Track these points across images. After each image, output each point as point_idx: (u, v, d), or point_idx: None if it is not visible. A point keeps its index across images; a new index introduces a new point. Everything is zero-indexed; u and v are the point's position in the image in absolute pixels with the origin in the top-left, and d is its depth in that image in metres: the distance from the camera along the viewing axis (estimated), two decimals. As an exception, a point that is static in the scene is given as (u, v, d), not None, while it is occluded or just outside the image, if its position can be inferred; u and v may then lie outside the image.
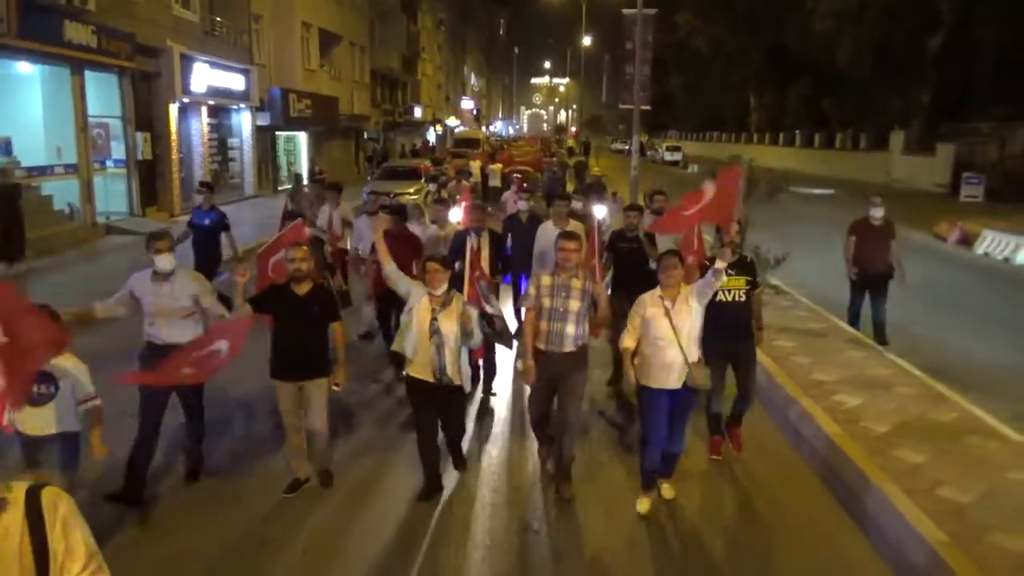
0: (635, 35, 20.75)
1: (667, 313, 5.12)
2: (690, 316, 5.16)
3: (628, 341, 5.33)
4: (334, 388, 5.55)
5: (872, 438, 6.18)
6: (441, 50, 62.22)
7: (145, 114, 18.72)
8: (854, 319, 9.46)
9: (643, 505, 5.46)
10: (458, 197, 11.90)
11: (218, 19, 22.40)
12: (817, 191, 31.08)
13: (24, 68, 15.04)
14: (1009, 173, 29.31)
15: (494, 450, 6.59)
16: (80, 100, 15.72)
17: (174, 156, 19.81)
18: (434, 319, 5.15)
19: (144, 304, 5.39)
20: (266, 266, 6.40)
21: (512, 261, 8.11)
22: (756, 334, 6.22)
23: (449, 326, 5.16)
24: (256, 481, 5.82)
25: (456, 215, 9.82)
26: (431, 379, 5.22)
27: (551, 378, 5.52)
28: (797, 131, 48.96)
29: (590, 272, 5.86)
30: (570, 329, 5.38)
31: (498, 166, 26.86)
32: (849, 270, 9.19)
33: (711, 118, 64.60)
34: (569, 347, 5.41)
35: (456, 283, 5.92)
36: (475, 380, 7.84)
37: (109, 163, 17.65)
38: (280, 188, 27.38)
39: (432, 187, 12.17)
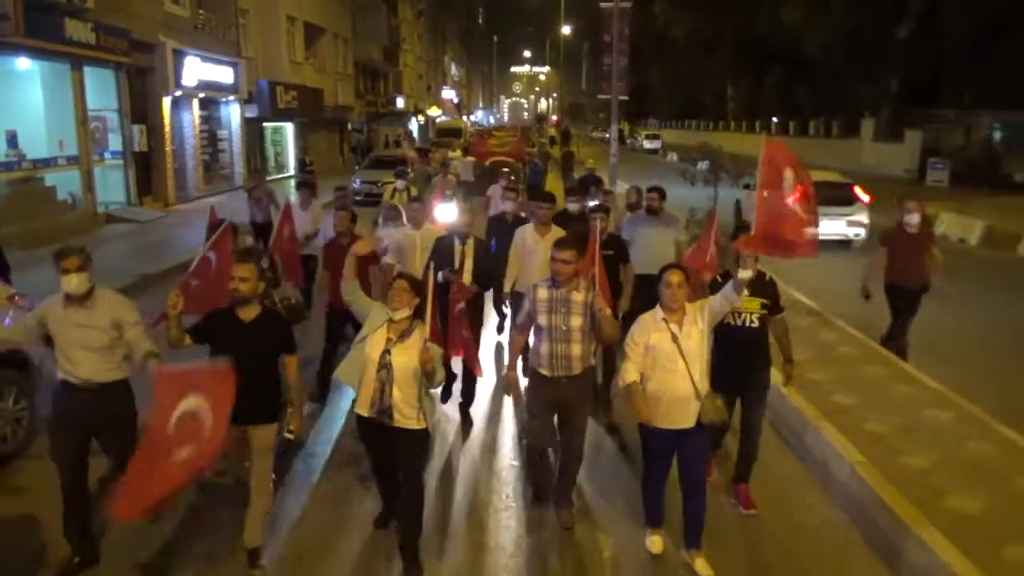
0: (612, 28, 21.58)
1: (674, 339, 4.43)
2: (701, 340, 4.49)
3: (631, 374, 4.56)
4: (287, 436, 4.72)
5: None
6: (422, 40, 62.69)
7: (140, 107, 19.33)
8: (894, 340, 8.26)
9: (655, 545, 4.83)
10: (447, 192, 11.26)
11: (205, 13, 22.95)
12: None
13: (25, 64, 15.61)
14: (973, 159, 30.48)
15: (469, 485, 5.81)
16: (80, 94, 16.34)
17: (168, 148, 20.43)
18: (386, 351, 4.39)
19: (54, 334, 4.46)
20: (200, 287, 5.26)
21: (497, 272, 7.06)
22: (785, 368, 5.41)
23: (403, 361, 4.36)
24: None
25: (446, 213, 9.10)
26: (367, 413, 4.49)
27: (555, 405, 4.93)
28: (772, 119, 50.02)
29: (591, 283, 5.04)
30: (575, 349, 4.79)
31: (470, 159, 25.34)
32: (863, 288, 8.10)
33: (689, 106, 65.46)
34: (577, 370, 4.83)
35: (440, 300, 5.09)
36: (446, 395, 7.10)
37: (107, 155, 18.28)
38: (268, 178, 27.96)
39: (399, 184, 10.96)
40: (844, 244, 15.19)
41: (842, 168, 34.85)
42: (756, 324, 5.12)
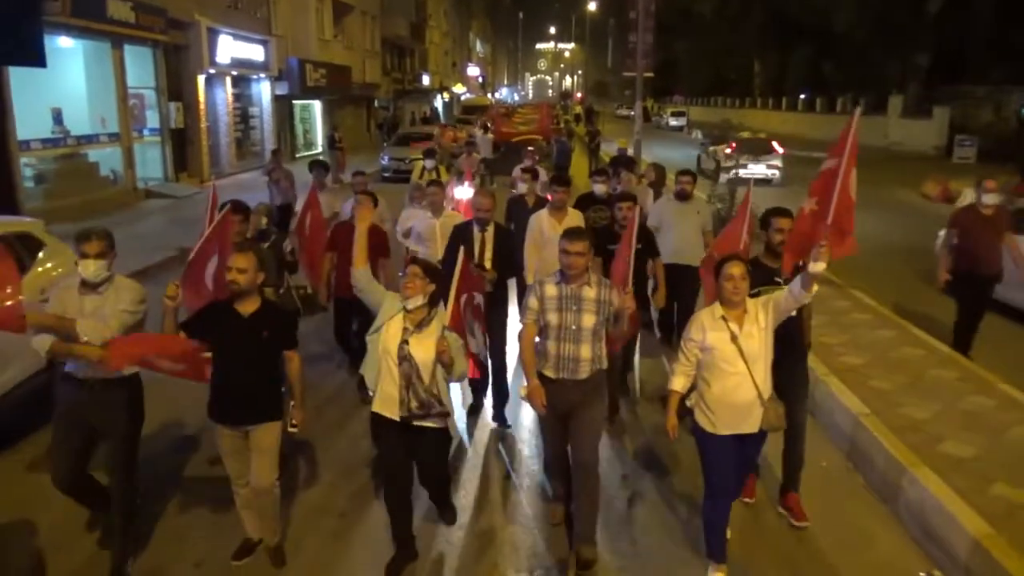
0: (638, 4, 21.73)
1: (734, 339, 4.05)
2: (764, 341, 4.11)
3: (680, 381, 4.28)
4: (290, 430, 4.57)
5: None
6: (447, 16, 62.74)
7: (176, 85, 19.88)
8: (964, 338, 7.44)
9: None
10: (463, 171, 11.04)
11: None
12: (815, 154, 32.12)
13: (68, 43, 16.15)
14: (1001, 134, 30.30)
15: (494, 504, 5.23)
16: (120, 73, 16.91)
17: (203, 125, 20.98)
18: (404, 342, 4.09)
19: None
20: (201, 277, 4.81)
21: (520, 261, 6.50)
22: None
23: (423, 353, 4.09)
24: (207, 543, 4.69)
25: (464, 192, 8.87)
26: (396, 416, 4.16)
27: (563, 412, 4.48)
28: (800, 96, 49.70)
29: (610, 279, 4.68)
30: (584, 351, 4.36)
31: (489, 136, 24.52)
32: (940, 276, 7.38)
33: (716, 83, 65.13)
34: (584, 373, 4.39)
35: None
36: (474, 410, 6.55)
37: (145, 132, 18.87)
38: (297, 155, 28.58)
39: (428, 164, 10.63)
40: (766, 182, 21.48)
41: (869, 145, 34.89)
42: (793, 313, 4.44)
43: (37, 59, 12.80)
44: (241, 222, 5.55)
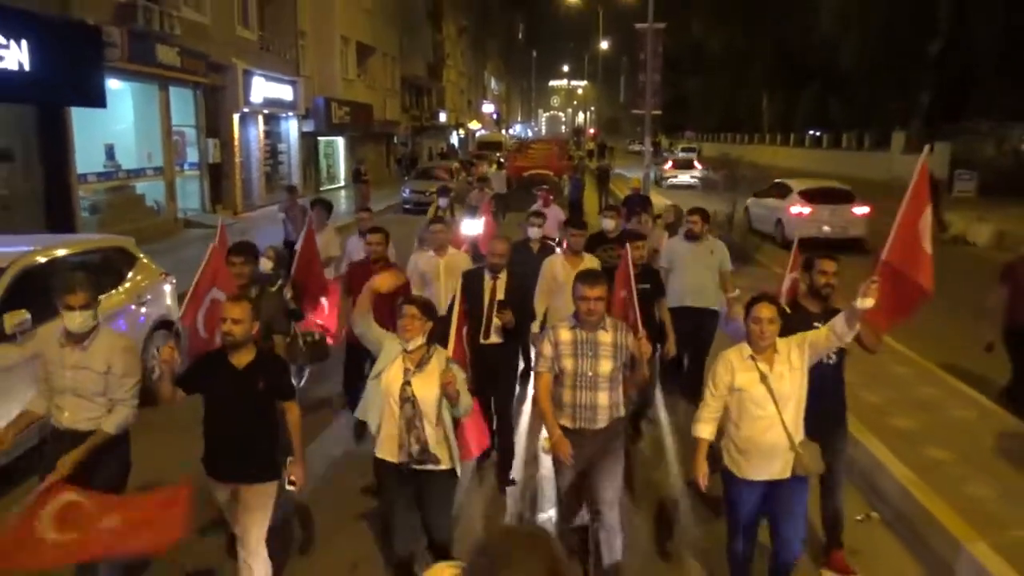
0: (646, 46, 23.06)
1: (764, 379, 3.90)
2: (796, 382, 3.94)
3: (707, 428, 4.12)
4: (289, 488, 4.28)
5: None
6: (464, 56, 64.71)
7: (213, 123, 21.25)
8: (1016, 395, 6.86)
9: None
10: (476, 206, 11.04)
11: (269, 36, 24.92)
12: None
13: (117, 84, 17.53)
14: (1002, 169, 31.28)
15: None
16: (166, 112, 18.27)
17: (237, 160, 22.34)
18: (406, 383, 4.01)
19: (47, 375, 4.11)
20: (194, 323, 4.70)
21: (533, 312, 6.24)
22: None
23: (426, 392, 4.02)
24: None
25: (474, 227, 8.77)
26: (395, 459, 4.08)
27: (581, 464, 4.33)
28: (807, 132, 50.99)
29: (624, 322, 4.50)
30: (602, 398, 4.23)
31: (503, 172, 24.97)
32: (987, 336, 6.71)
33: (725, 119, 66.52)
34: (602, 422, 4.26)
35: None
36: (484, 457, 5.94)
37: (186, 166, 20.21)
38: (321, 188, 29.97)
39: (443, 202, 10.64)
40: (691, 187, 30.37)
41: (873, 179, 36.01)
42: (834, 360, 4.39)
43: (98, 101, 14.13)
44: (243, 264, 5.34)
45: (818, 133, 49.30)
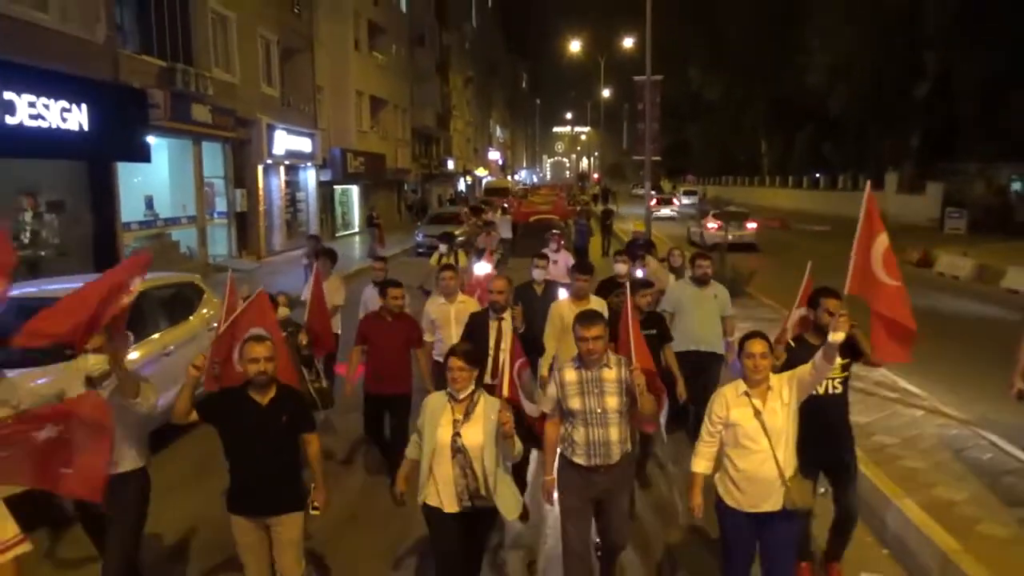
0: (645, 97, 24.49)
1: (757, 415, 4.03)
2: (788, 417, 4.07)
3: (702, 463, 4.26)
4: (312, 512, 4.44)
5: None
6: (470, 106, 66.76)
7: (240, 174, 22.67)
8: None
9: None
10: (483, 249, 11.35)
11: (289, 92, 26.50)
12: (816, 228, 34.45)
13: (155, 140, 18.92)
14: (990, 207, 32.54)
15: None
16: (198, 165, 19.69)
17: (261, 208, 23.71)
18: (457, 434, 4.09)
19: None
20: (230, 354, 4.83)
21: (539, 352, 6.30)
22: (869, 356, 4.80)
23: (475, 438, 4.09)
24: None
25: (481, 268, 8.87)
26: (455, 508, 4.15)
27: (594, 498, 4.43)
28: (804, 174, 52.56)
29: (623, 357, 4.56)
30: (614, 434, 4.33)
31: (508, 217, 25.58)
32: (1016, 383, 6.07)
33: (725, 162, 68.27)
34: (616, 457, 4.36)
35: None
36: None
37: (215, 215, 21.56)
38: (337, 234, 31.35)
39: (443, 248, 10.84)
40: (670, 219, 39.05)
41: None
42: (840, 390, 4.61)
43: (143, 156, 15.50)
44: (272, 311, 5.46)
45: (816, 175, 50.82)
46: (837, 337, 3.88)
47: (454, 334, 6.24)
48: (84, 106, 13.30)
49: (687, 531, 5.84)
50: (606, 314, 5.32)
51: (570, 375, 4.37)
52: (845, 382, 4.67)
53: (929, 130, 38.21)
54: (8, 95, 11.64)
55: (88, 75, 13.87)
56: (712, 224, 25.68)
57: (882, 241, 4.75)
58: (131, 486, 4.30)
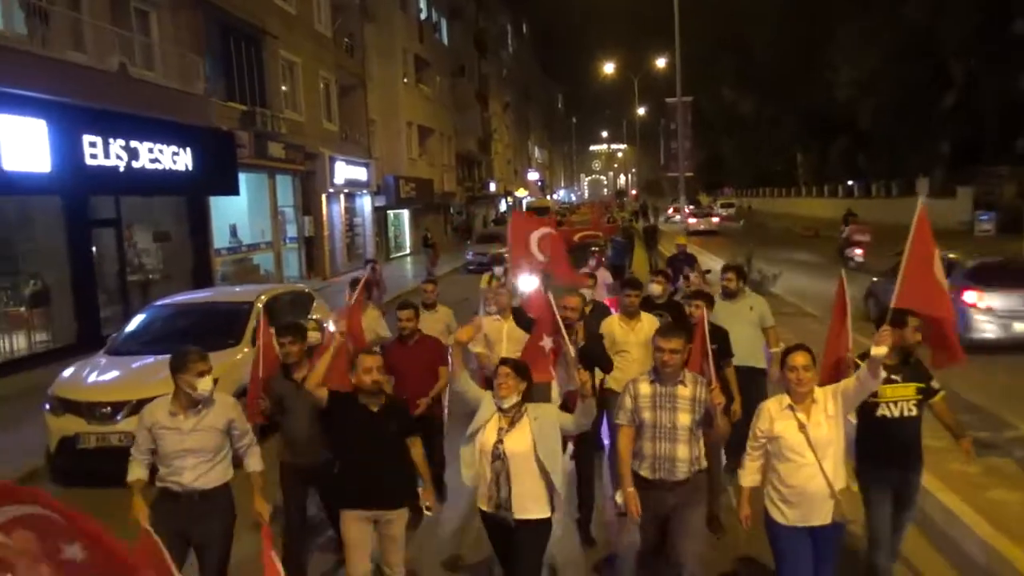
0: (677, 117, 26.26)
1: (802, 428, 4.01)
2: (834, 429, 4.04)
3: (749, 477, 4.28)
4: (427, 512, 4.74)
5: None
6: (509, 129, 68.95)
7: (307, 203, 24.94)
8: None
9: None
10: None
11: (346, 126, 28.82)
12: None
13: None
14: (1020, 209, 33.36)
15: None
16: (273, 196, 21.97)
17: (325, 233, 25.93)
18: (499, 441, 4.22)
19: (160, 442, 4.32)
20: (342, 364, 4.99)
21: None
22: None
23: (517, 445, 4.21)
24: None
25: (530, 283, 8.99)
26: (489, 509, 4.31)
27: (659, 515, 4.43)
28: (839, 183, 53.59)
29: (701, 376, 4.60)
30: (681, 451, 4.31)
31: None
32: None
33: (761, 175, 69.21)
34: (682, 474, 4.33)
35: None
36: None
37: (287, 240, 23.82)
38: (391, 256, 33.52)
39: (498, 271, 10.92)
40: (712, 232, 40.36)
41: (903, 223, 38.13)
42: (914, 413, 4.55)
43: (233, 190, 17.71)
44: (291, 343, 5.37)
45: (851, 183, 51.82)
46: (880, 351, 3.89)
47: (506, 351, 6.23)
48: (189, 149, 15.52)
49: (742, 554, 5.65)
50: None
51: (644, 388, 4.42)
52: (920, 405, 4.58)
53: (958, 136, 39.21)
54: (133, 143, 13.87)
55: (191, 122, 16.11)
56: (693, 218, 40.26)
57: (936, 253, 4.66)
58: (217, 504, 4.40)
